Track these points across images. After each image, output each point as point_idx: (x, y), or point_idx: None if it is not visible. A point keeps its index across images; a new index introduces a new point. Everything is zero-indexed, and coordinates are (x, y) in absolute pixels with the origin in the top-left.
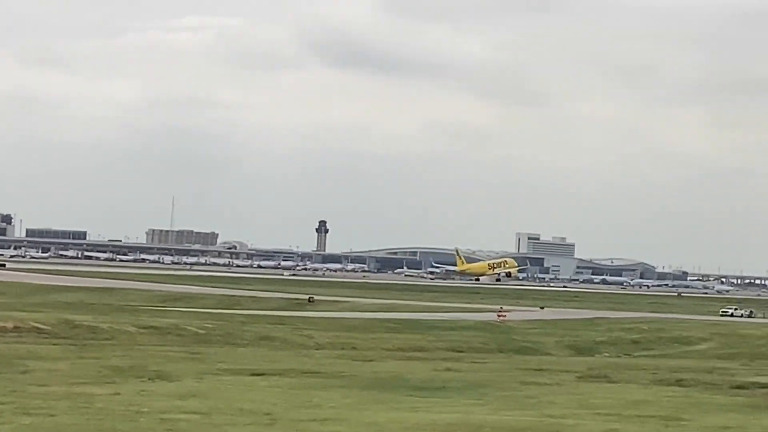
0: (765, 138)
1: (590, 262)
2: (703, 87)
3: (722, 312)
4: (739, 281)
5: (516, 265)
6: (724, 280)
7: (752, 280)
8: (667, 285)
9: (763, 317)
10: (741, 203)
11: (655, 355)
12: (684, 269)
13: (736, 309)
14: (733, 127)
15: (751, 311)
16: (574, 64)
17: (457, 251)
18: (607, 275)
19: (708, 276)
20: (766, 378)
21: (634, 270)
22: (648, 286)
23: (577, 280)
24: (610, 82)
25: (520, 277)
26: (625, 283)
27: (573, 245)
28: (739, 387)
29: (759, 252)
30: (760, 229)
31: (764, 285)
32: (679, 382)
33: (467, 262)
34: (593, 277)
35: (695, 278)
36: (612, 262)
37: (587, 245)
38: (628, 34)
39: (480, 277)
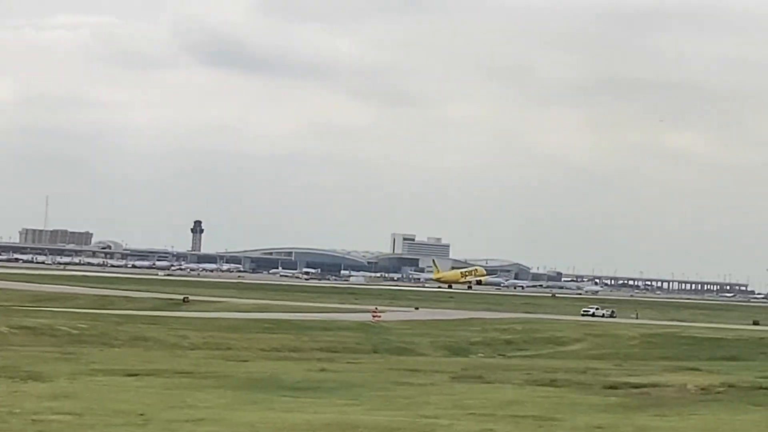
0: (637, 139)
1: (465, 262)
2: (577, 88)
3: (583, 312)
4: (612, 282)
5: (485, 273)
6: (597, 280)
7: (625, 281)
8: (541, 286)
9: (637, 318)
10: (614, 205)
11: (529, 356)
12: (558, 270)
13: (597, 309)
14: (606, 129)
15: (612, 311)
16: (449, 64)
17: (433, 261)
18: None
19: (582, 277)
20: (639, 378)
21: (508, 271)
22: (522, 287)
23: None
24: (485, 83)
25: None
26: (501, 284)
27: (448, 246)
28: (611, 387)
29: (632, 253)
30: (633, 230)
31: (637, 286)
32: (552, 383)
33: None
34: None
35: (569, 279)
36: (487, 263)
37: (462, 246)
38: (504, 34)
39: (452, 285)
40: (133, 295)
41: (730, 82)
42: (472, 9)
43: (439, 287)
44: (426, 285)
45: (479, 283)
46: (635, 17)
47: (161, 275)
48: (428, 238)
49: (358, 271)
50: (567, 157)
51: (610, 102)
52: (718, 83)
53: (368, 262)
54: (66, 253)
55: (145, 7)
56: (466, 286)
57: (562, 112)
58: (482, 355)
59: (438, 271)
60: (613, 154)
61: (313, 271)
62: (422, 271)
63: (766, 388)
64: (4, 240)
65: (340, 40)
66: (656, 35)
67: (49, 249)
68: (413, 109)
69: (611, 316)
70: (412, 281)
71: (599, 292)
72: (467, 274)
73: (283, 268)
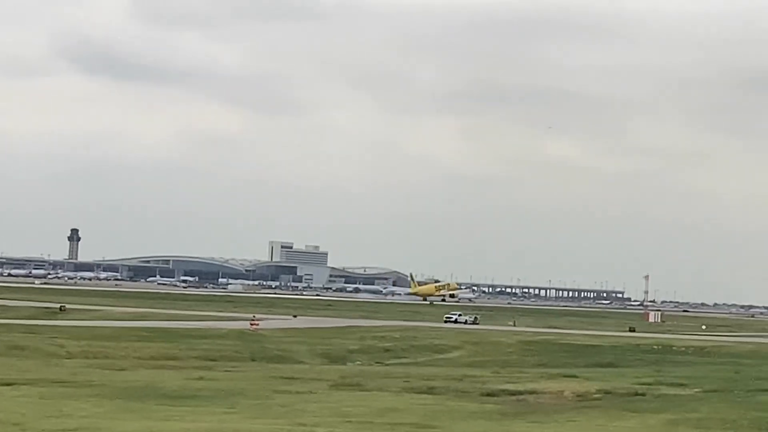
0: (516, 147)
1: (343, 270)
2: (454, 95)
3: (446, 318)
4: (490, 289)
5: (457, 286)
6: (475, 288)
7: (503, 288)
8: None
9: (514, 325)
10: (492, 212)
11: (408, 363)
12: (437, 278)
13: (460, 315)
14: (484, 136)
15: (475, 317)
16: (326, 72)
17: (411, 276)
18: (360, 283)
19: (460, 284)
20: (516, 385)
21: (386, 278)
22: (400, 294)
23: (330, 288)
24: (362, 91)
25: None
26: (384, 292)
27: (326, 254)
28: (489, 394)
29: (510, 261)
30: (511, 238)
31: (515, 293)
32: (430, 390)
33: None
34: (346, 285)
35: None
36: (365, 271)
37: (340, 254)
38: (380, 41)
39: (428, 298)
40: (9, 304)
41: (609, 90)
42: (349, 17)
43: (414, 300)
44: (304, 293)
45: (452, 296)
46: (512, 25)
47: (38, 284)
48: (306, 246)
49: (237, 279)
50: (445, 165)
51: (487, 109)
52: (597, 90)
53: (246, 270)
54: None
55: (21, 14)
56: (440, 299)
57: (439, 119)
58: (360, 362)
59: (415, 286)
60: (491, 161)
61: (191, 279)
62: (300, 279)
63: (642, 394)
64: None
65: (218, 47)
66: (535, 43)
67: None
68: (290, 117)
69: (474, 323)
70: (291, 289)
71: (473, 299)
72: (441, 288)
73: (160, 276)
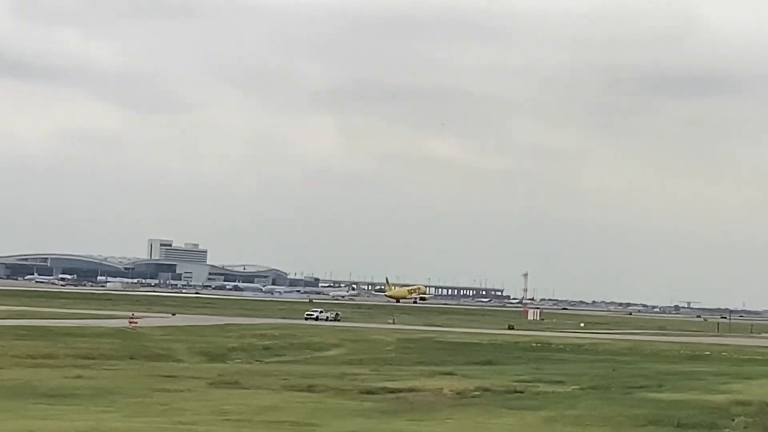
0: (397, 145)
1: (223, 268)
2: (336, 94)
3: (307, 315)
4: (369, 287)
5: (425, 291)
6: (355, 286)
7: (381, 287)
8: (299, 291)
9: (394, 323)
10: (373, 211)
11: (287, 361)
12: (316, 276)
13: (321, 312)
14: (365, 134)
15: (336, 314)
16: (207, 70)
17: (386, 280)
18: (239, 281)
19: (339, 282)
20: (395, 383)
21: (266, 276)
22: (280, 293)
23: (210, 286)
24: (243, 89)
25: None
26: (264, 289)
27: (206, 252)
28: (368, 392)
29: (389, 258)
30: (391, 235)
31: None
32: (310, 388)
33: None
34: (226, 283)
35: (327, 284)
36: (244, 269)
37: (221, 252)
38: (263, 40)
39: (400, 300)
40: None
41: (490, 89)
42: (231, 15)
43: (389, 302)
44: (183, 291)
45: (423, 299)
46: (395, 24)
47: None
48: (186, 244)
49: (115, 277)
50: (325, 163)
51: (369, 108)
52: (478, 89)
53: (125, 268)
54: None
55: None
56: (412, 301)
57: (321, 117)
58: (240, 360)
59: (390, 289)
60: (373, 159)
61: (69, 277)
62: (179, 277)
63: (520, 392)
64: None
65: (99, 45)
66: (417, 42)
67: None
68: (171, 115)
69: (335, 319)
70: (170, 287)
71: (345, 297)
72: (413, 291)
73: (38, 275)
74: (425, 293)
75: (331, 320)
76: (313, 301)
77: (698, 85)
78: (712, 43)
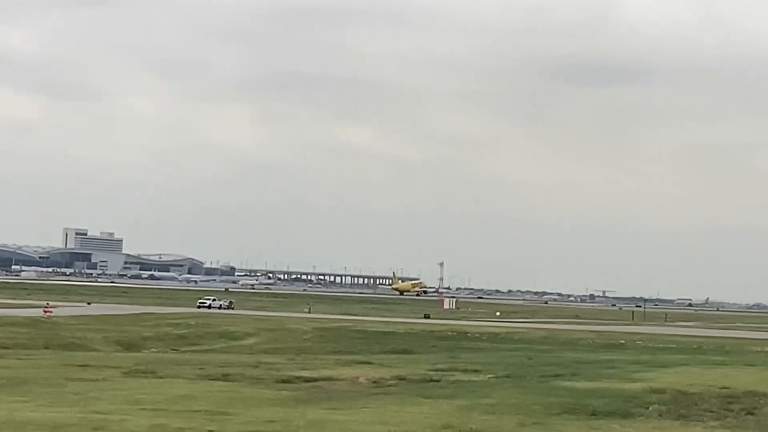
0: (312, 134)
1: (138, 257)
2: (251, 83)
3: (200, 303)
4: (286, 276)
5: (425, 285)
6: (271, 275)
7: (299, 275)
8: (215, 280)
9: (309, 312)
10: (288, 199)
11: (203, 350)
12: (232, 264)
13: (214, 300)
14: (281, 123)
15: (230, 302)
16: (124, 58)
17: (393, 274)
18: (155, 270)
19: (256, 271)
20: (311, 372)
21: (182, 265)
22: (196, 282)
23: (125, 275)
24: (161, 78)
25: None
26: (180, 278)
27: (121, 241)
28: (284, 381)
29: (305, 247)
30: (307, 224)
31: (311, 280)
32: (225, 377)
33: None
34: (141, 272)
35: (243, 273)
36: (160, 258)
37: (136, 241)
38: (179, 28)
39: (404, 293)
40: None
41: (406, 78)
42: (148, 3)
43: (393, 295)
44: (98, 280)
45: (425, 293)
46: (312, 13)
47: None
48: (101, 233)
49: (30, 266)
50: (240, 152)
51: (284, 96)
52: (394, 78)
53: (40, 257)
54: None
55: None
56: (416, 294)
57: (236, 106)
58: (155, 350)
59: (396, 282)
60: (288, 148)
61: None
62: (95, 266)
63: (436, 381)
64: None
65: (13, 32)
66: (332, 30)
67: None
68: (87, 103)
69: (229, 308)
70: (85, 276)
71: (255, 286)
72: (415, 285)
73: None
74: (426, 287)
75: (224, 308)
76: (230, 290)
77: (612, 75)
78: (626, 33)
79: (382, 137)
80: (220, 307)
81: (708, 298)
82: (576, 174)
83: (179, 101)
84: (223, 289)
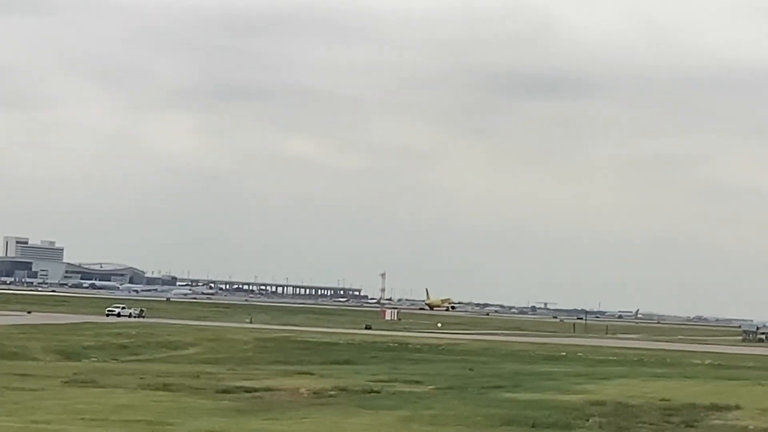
0: (254, 144)
1: (80, 266)
2: (192, 92)
3: (108, 311)
4: (227, 286)
5: (452, 301)
6: (212, 285)
7: (240, 285)
8: (156, 290)
9: (251, 322)
10: (230, 209)
11: (143, 360)
12: (173, 274)
13: (123, 308)
14: (222, 133)
15: (141, 310)
16: (65, 67)
17: (426, 291)
18: (96, 280)
19: (197, 281)
20: (252, 382)
21: (123, 275)
22: (137, 291)
23: (66, 284)
24: (100, 86)
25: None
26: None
27: (62, 249)
28: (224, 391)
29: (247, 258)
30: (249, 235)
31: (252, 290)
32: (166, 387)
33: None
34: (82, 281)
35: (184, 283)
36: (101, 267)
37: (77, 249)
38: (119, 37)
39: (434, 308)
40: None
41: (349, 88)
42: (87, 12)
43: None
44: (39, 289)
45: (453, 308)
46: (253, 23)
47: None
48: (42, 242)
49: None
50: (182, 161)
51: (225, 105)
52: (337, 88)
53: None
54: None
55: None
56: (444, 309)
57: (178, 115)
58: (96, 359)
59: (428, 298)
60: (229, 157)
61: None
62: (35, 275)
63: (377, 392)
64: None
65: None
66: (275, 40)
67: None
68: (27, 111)
69: (140, 316)
70: (26, 285)
71: (188, 295)
72: (444, 301)
73: None
74: (454, 303)
75: (134, 317)
76: (171, 300)
77: (553, 87)
78: (567, 45)
79: (322, 147)
80: (130, 315)
81: (638, 310)
82: (517, 185)
83: (121, 110)
84: (165, 299)
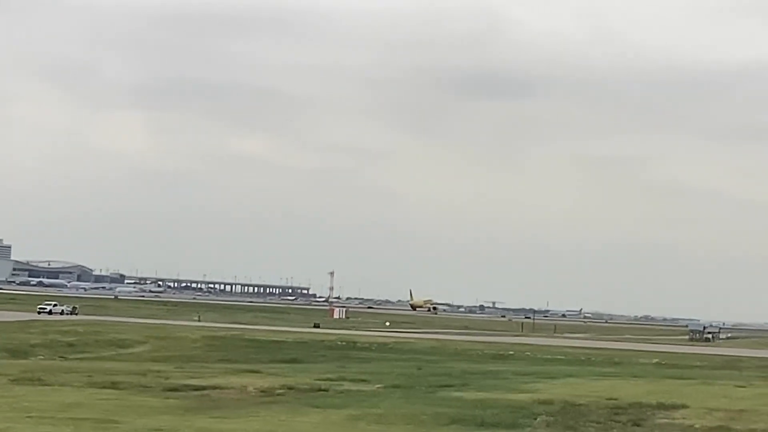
0: (204, 142)
1: (28, 264)
2: (142, 90)
3: (39, 309)
4: (176, 284)
5: (434, 302)
6: (161, 282)
7: (189, 283)
8: (104, 288)
9: (199, 320)
10: (179, 206)
11: (91, 358)
12: (122, 272)
13: (55, 305)
14: (172, 131)
15: (74, 307)
16: (12, 64)
17: (410, 292)
18: (44, 277)
19: (146, 279)
20: (199, 380)
21: (71, 272)
22: (85, 289)
23: (14, 282)
24: (49, 83)
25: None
26: (69, 285)
27: (9, 247)
28: (172, 389)
29: (196, 255)
30: (197, 232)
31: (201, 288)
32: (114, 385)
33: None
34: (30, 279)
35: (132, 281)
36: (49, 264)
37: (25, 247)
38: (68, 34)
39: (417, 308)
40: None
41: (300, 87)
42: (37, 9)
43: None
44: None
45: (435, 309)
46: (205, 21)
47: None
48: None
49: None
50: (132, 159)
51: (176, 104)
52: (288, 87)
53: None
54: None
55: None
56: (426, 309)
57: (129, 113)
58: (42, 357)
59: (412, 299)
60: (179, 156)
61: None
62: None
63: (325, 390)
64: None
65: None
66: (227, 40)
67: None
68: None
69: (72, 313)
70: None
71: (136, 293)
72: (427, 302)
73: None
74: (435, 304)
75: (67, 314)
76: (119, 297)
77: (504, 88)
78: (518, 46)
79: (275, 146)
80: (62, 313)
81: (582, 309)
82: (467, 186)
83: (71, 108)
84: (113, 297)
